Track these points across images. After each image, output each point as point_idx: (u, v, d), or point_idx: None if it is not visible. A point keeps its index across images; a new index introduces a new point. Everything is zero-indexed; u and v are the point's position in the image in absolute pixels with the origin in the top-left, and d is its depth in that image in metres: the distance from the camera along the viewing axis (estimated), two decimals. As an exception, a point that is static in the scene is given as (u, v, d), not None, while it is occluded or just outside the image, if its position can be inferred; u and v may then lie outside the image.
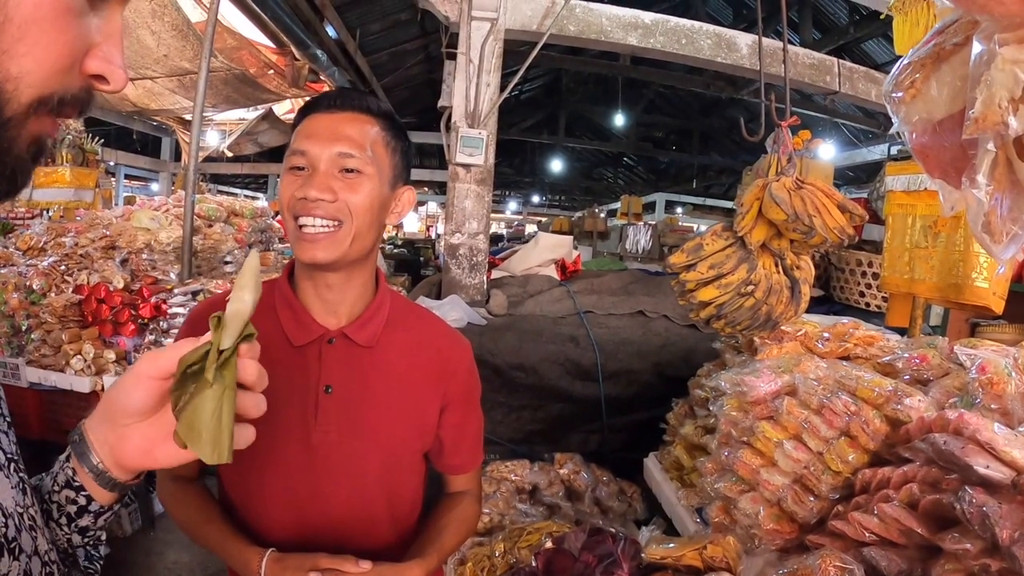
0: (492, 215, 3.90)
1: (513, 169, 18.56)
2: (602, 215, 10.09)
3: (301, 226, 0.86)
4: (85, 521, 0.60)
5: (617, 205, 11.06)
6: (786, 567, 1.06)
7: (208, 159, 7.87)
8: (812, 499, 1.26)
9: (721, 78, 7.13)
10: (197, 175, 3.22)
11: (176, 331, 2.33)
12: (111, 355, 2.59)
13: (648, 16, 3.62)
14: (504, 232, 17.50)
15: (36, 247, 3.18)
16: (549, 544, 1.17)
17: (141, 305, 2.65)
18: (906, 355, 1.48)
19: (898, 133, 0.70)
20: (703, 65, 4.00)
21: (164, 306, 2.64)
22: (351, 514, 0.95)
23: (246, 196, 10.51)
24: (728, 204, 11.34)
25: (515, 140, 13.52)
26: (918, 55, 0.65)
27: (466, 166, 3.22)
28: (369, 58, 7.01)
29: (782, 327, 1.65)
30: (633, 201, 9.67)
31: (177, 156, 8.67)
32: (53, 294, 2.72)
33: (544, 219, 18.09)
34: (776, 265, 1.56)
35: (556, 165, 17.58)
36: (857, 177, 9.80)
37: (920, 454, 1.06)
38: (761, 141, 1.64)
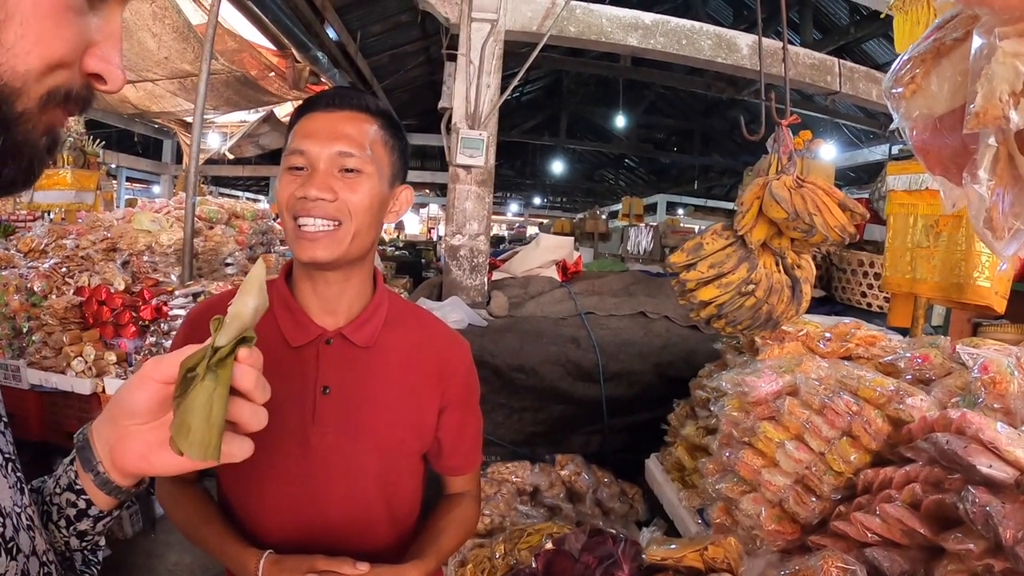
0: (493, 217, 3.89)
1: (514, 171, 18.59)
2: (603, 216, 10.12)
3: (300, 226, 0.86)
4: (84, 525, 0.60)
5: (618, 206, 11.10)
6: (788, 568, 1.05)
7: (209, 161, 7.87)
8: (814, 500, 1.26)
9: (722, 79, 7.14)
10: (198, 177, 3.22)
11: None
12: (112, 357, 2.59)
13: (648, 17, 3.62)
14: (505, 234, 17.55)
15: (37, 249, 3.18)
16: (549, 545, 1.16)
17: (142, 307, 2.65)
18: (908, 355, 1.47)
19: (898, 130, 0.69)
20: (703, 66, 3.99)
21: (165, 308, 2.64)
22: (349, 515, 0.94)
23: (247, 198, 10.54)
24: (730, 205, 11.32)
25: (516, 142, 13.55)
26: (918, 51, 0.65)
27: (467, 167, 3.22)
28: (370, 60, 7.02)
29: (783, 327, 1.64)
30: (634, 202, 9.70)
31: (178, 158, 8.70)
32: (54, 296, 2.72)
33: (545, 221, 18.11)
34: (777, 264, 1.56)
35: (557, 167, 17.60)
36: (858, 178, 9.80)
37: (922, 454, 1.05)
38: (762, 141, 1.63)
